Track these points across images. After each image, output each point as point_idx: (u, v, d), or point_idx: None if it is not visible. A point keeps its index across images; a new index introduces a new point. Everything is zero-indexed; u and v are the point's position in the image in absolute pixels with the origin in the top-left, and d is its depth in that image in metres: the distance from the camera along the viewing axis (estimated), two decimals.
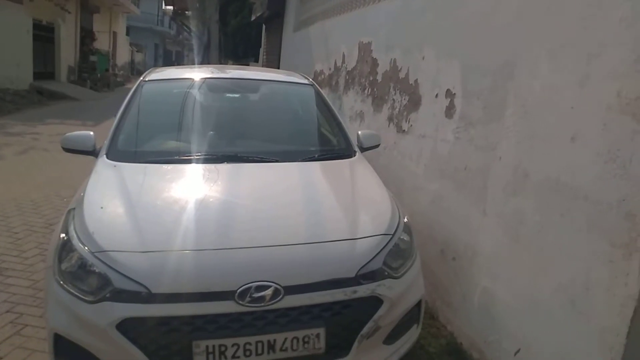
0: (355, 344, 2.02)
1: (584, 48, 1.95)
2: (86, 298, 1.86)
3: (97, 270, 1.89)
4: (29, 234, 4.06)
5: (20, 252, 3.70)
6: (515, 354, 2.27)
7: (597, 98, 1.87)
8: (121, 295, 1.83)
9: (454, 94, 3.01)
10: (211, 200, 2.27)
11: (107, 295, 1.84)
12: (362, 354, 2.06)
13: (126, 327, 1.81)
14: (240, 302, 1.85)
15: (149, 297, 1.82)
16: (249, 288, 1.86)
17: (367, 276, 2.04)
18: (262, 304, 1.87)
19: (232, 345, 1.86)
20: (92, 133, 2.92)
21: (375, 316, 2.04)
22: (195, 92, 3.35)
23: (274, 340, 1.90)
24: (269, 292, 1.87)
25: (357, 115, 5.03)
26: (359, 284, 2.01)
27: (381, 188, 2.60)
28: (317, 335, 1.94)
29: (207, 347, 1.84)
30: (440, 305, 3.03)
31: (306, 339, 1.93)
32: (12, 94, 12.32)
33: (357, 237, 2.14)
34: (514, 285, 2.32)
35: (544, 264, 2.11)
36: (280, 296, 1.88)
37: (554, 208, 2.06)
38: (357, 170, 2.81)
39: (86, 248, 1.95)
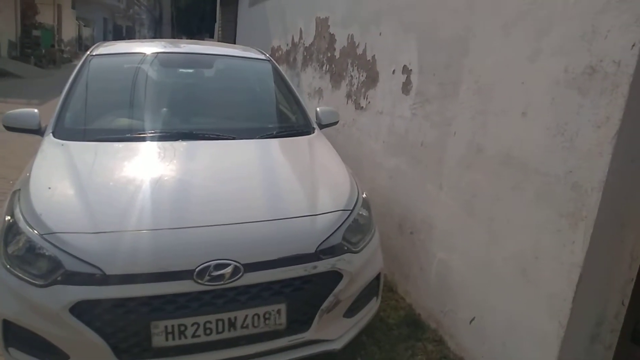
0: (316, 318, 2.05)
1: (534, 24, 1.99)
2: (36, 282, 1.78)
3: (46, 253, 1.81)
4: None
5: None
6: (470, 322, 2.36)
7: (546, 73, 1.92)
8: (74, 278, 1.77)
9: (411, 70, 3.03)
10: (166, 179, 2.21)
11: (59, 278, 1.77)
12: (323, 327, 2.09)
13: (80, 310, 1.76)
14: (199, 281, 1.82)
15: (103, 279, 1.76)
16: (208, 267, 1.84)
17: (326, 251, 2.05)
18: (222, 282, 1.85)
19: (192, 325, 1.84)
20: (36, 110, 2.77)
21: (336, 290, 2.06)
22: (146, 67, 3.21)
23: (235, 318, 1.89)
24: (228, 270, 1.86)
25: (315, 92, 5.00)
26: (319, 259, 2.02)
27: (340, 164, 2.61)
28: (278, 311, 1.95)
29: (165, 327, 1.81)
30: (399, 278, 3.11)
31: (267, 315, 1.94)
32: None
33: (316, 214, 2.14)
34: (468, 256, 2.40)
35: (497, 235, 2.19)
36: (240, 274, 1.87)
37: (506, 181, 2.13)
38: (316, 147, 2.80)
39: (34, 231, 1.86)
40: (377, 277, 2.35)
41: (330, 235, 2.09)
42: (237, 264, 1.87)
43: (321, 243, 2.05)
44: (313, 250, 2.02)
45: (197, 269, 1.82)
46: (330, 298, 2.06)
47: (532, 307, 1.97)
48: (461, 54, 2.50)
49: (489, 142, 2.26)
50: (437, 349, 2.52)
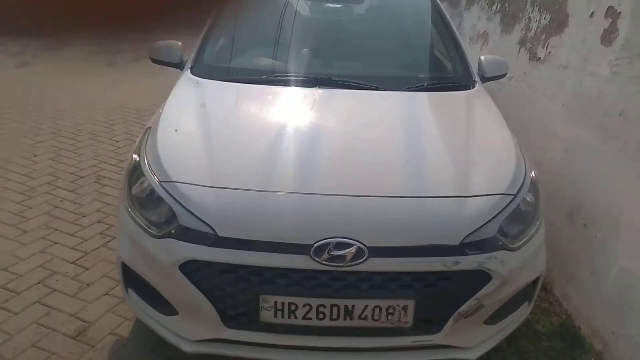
0: (450, 321, 1.67)
1: None
2: (151, 231, 1.68)
3: (164, 202, 1.69)
4: (129, 143, 4.12)
5: (119, 161, 3.76)
6: None
7: None
8: (186, 234, 1.62)
9: (619, 12, 2.27)
10: (298, 134, 1.95)
11: (172, 231, 1.64)
12: (457, 332, 1.72)
13: (190, 268, 1.62)
14: (316, 258, 1.55)
15: (215, 240, 1.59)
16: (327, 244, 1.55)
17: (474, 245, 1.63)
18: (342, 264, 1.56)
19: (304, 305, 1.60)
20: (179, 43, 2.68)
21: (479, 294, 1.65)
22: (293, 1, 2.92)
23: (352, 307, 1.60)
24: (350, 251, 1.55)
25: (479, 37, 4.29)
26: (464, 253, 1.61)
27: (505, 133, 2.07)
28: (404, 308, 1.61)
29: (275, 303, 1.60)
30: (558, 276, 2.53)
31: (391, 310, 1.61)
32: None
33: (467, 195, 1.70)
34: None
35: None
36: (364, 257, 1.56)
37: None
38: (476, 107, 2.27)
39: (155, 177, 1.75)
40: (535, 281, 1.86)
41: (482, 225, 1.64)
42: (362, 246, 1.55)
43: (469, 234, 1.62)
44: (457, 243, 1.61)
45: (315, 245, 1.55)
46: (472, 301, 1.66)
47: None
48: None
49: None
50: None
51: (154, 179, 1.74)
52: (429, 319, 1.68)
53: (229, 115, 2.11)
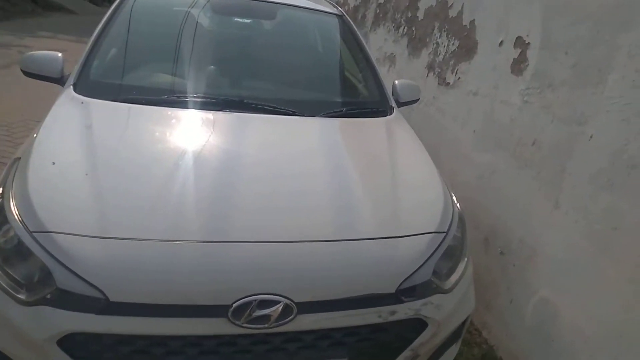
0: None
1: None
2: (19, 296, 1.30)
3: (35, 257, 1.32)
4: None
5: None
6: None
7: None
8: (67, 299, 1.28)
9: (528, 43, 2.32)
10: (205, 168, 1.66)
11: (48, 296, 1.29)
12: None
13: (73, 343, 1.28)
14: (236, 321, 1.30)
15: (106, 306, 1.27)
16: (249, 303, 1.31)
17: (410, 291, 1.48)
18: (266, 325, 1.32)
19: None
20: (60, 55, 2.26)
21: (415, 343, 1.52)
22: (196, 11, 2.63)
23: None
24: (277, 309, 1.32)
25: (386, 59, 4.31)
26: (400, 301, 1.46)
27: (430, 165, 1.98)
28: None
29: None
30: (477, 305, 2.51)
31: None
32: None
33: (400, 235, 1.56)
34: (592, 310, 1.77)
35: None
36: (292, 316, 1.34)
37: None
38: (398, 136, 2.16)
39: (24, 224, 1.37)
40: (464, 321, 1.77)
41: (418, 268, 1.51)
42: (289, 302, 1.33)
43: (405, 280, 1.48)
44: (393, 290, 1.45)
45: (234, 305, 1.30)
46: (407, 352, 1.52)
47: None
48: (618, 28, 1.79)
49: None
50: None
51: (22, 228, 1.37)
52: None
53: (122, 144, 1.76)
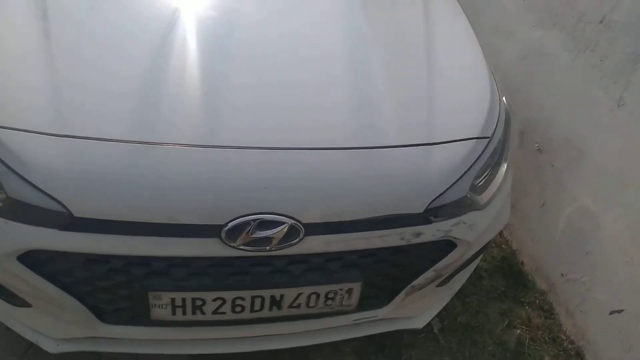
0: (402, 294, 1.34)
1: None
2: None
3: None
4: None
5: None
6: (611, 313, 1.63)
7: None
8: (22, 211, 1.04)
9: None
10: (191, 48, 1.26)
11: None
12: (406, 304, 1.40)
13: (36, 259, 1.07)
14: (230, 243, 1.07)
15: (70, 222, 1.03)
16: (246, 224, 1.06)
17: (441, 210, 1.23)
18: (267, 248, 1.10)
19: (214, 300, 1.16)
20: None
21: (440, 264, 1.31)
22: None
23: (281, 296, 1.19)
24: (279, 231, 1.08)
25: None
26: (428, 222, 1.21)
27: (474, 47, 1.57)
28: (349, 291, 1.23)
29: (172, 299, 1.14)
30: None
31: (331, 295, 1.23)
32: None
33: (435, 142, 1.26)
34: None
35: None
36: (298, 238, 1.10)
37: None
38: (437, 10, 1.68)
39: None
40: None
41: (454, 183, 1.23)
42: (296, 224, 1.09)
43: (437, 197, 1.21)
44: (421, 210, 1.19)
45: (228, 225, 1.06)
46: (429, 273, 1.32)
47: None
48: None
49: None
50: (547, 324, 1.84)
51: None
52: (375, 296, 1.34)
53: (88, 10, 1.36)
